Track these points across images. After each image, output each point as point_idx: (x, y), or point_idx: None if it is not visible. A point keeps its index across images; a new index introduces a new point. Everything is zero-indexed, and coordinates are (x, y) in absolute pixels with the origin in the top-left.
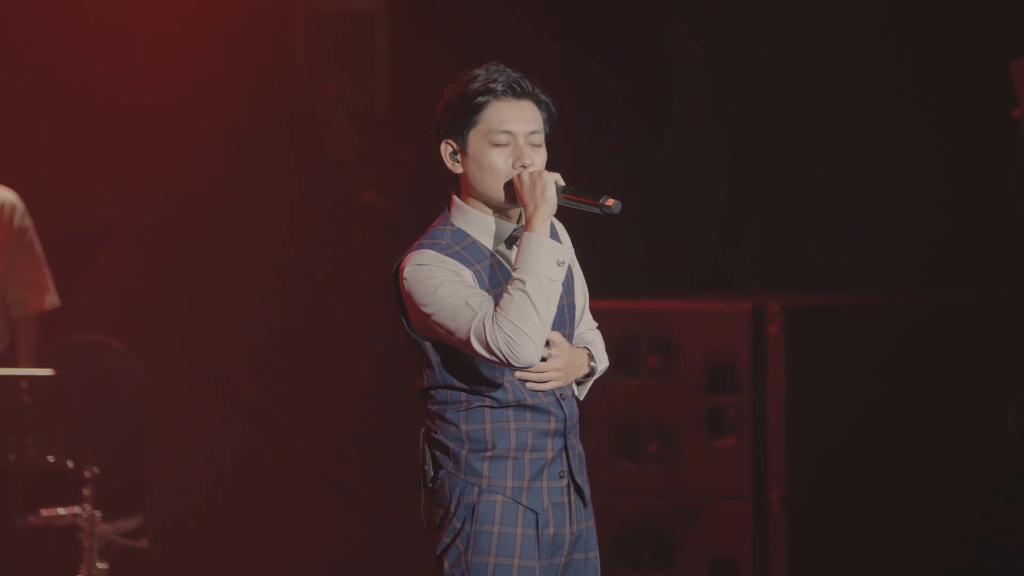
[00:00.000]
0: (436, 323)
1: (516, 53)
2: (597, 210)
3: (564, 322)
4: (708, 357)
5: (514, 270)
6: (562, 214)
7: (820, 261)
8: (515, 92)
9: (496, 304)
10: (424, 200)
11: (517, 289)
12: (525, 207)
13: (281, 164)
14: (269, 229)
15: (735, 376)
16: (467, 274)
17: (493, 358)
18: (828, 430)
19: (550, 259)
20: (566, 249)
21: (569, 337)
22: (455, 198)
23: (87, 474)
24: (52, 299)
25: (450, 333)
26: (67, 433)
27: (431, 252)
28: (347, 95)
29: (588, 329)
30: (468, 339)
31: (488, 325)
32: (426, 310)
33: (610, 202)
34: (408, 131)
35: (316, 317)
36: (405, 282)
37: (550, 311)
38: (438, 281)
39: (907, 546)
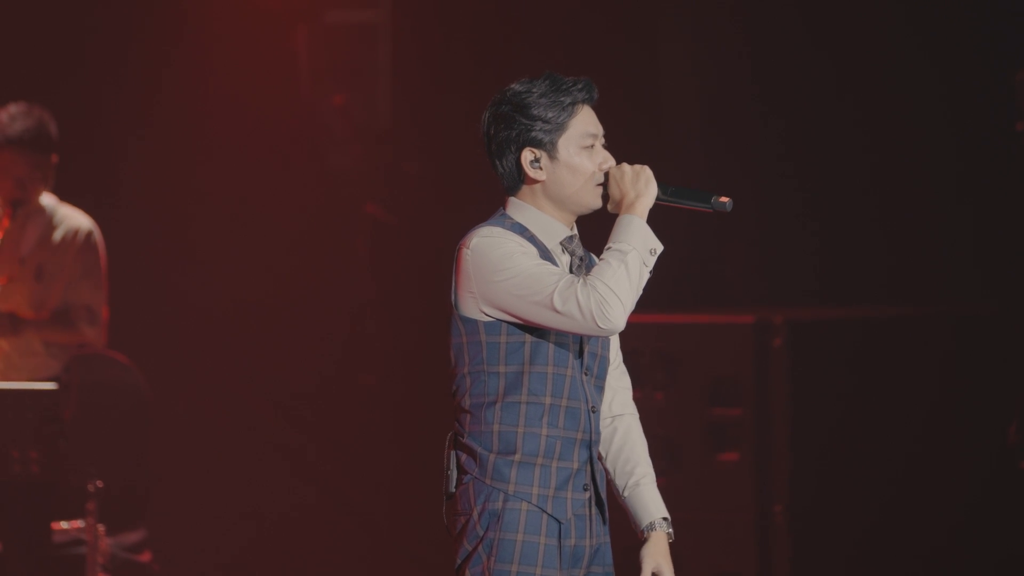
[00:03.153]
0: (511, 287)
1: (517, 67)
2: (705, 207)
3: (604, 344)
4: (711, 370)
5: (610, 243)
6: None
7: (823, 274)
8: (593, 96)
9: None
10: (427, 212)
11: (616, 259)
12: (624, 196)
13: (284, 176)
14: (273, 242)
15: (738, 389)
16: (532, 251)
17: (576, 318)
18: (831, 443)
19: (647, 244)
20: (660, 244)
21: (604, 361)
22: (510, 199)
23: (90, 488)
24: (89, 332)
25: (526, 296)
26: (70, 447)
27: (498, 228)
28: (350, 108)
29: (630, 413)
30: (550, 299)
31: (580, 286)
32: (499, 276)
33: (724, 199)
34: (411, 143)
35: (319, 329)
36: (470, 254)
37: (640, 288)
38: (511, 249)
39: (910, 559)
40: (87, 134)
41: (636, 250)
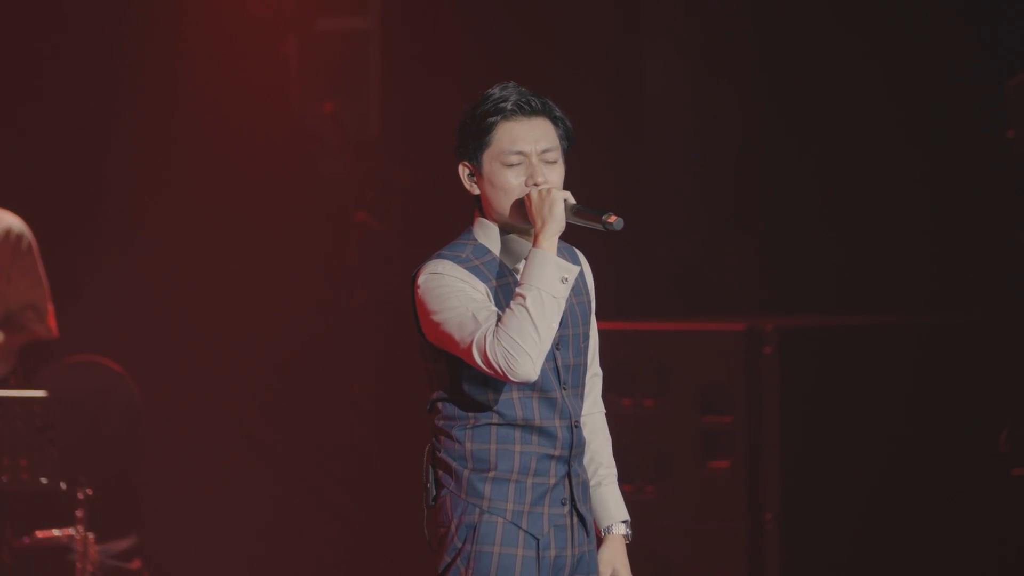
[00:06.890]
0: (444, 332)
1: (510, 74)
2: (600, 227)
3: (580, 351)
4: (702, 378)
5: (518, 286)
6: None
7: (814, 282)
8: (525, 110)
9: (499, 319)
10: (417, 221)
11: (518, 304)
12: (534, 223)
13: (275, 184)
14: (262, 249)
15: (729, 397)
16: (481, 287)
17: (492, 371)
18: (822, 451)
19: (554, 276)
20: (572, 268)
21: (580, 368)
22: (477, 217)
23: (80, 496)
24: (40, 329)
25: (455, 344)
26: (60, 455)
27: (448, 262)
28: (341, 115)
29: (596, 412)
30: (470, 351)
31: (488, 339)
32: (435, 318)
33: (612, 219)
34: (401, 152)
35: (309, 337)
36: (419, 289)
37: (550, 328)
38: (449, 291)
39: (902, 567)
40: (74, 141)
41: (538, 288)
